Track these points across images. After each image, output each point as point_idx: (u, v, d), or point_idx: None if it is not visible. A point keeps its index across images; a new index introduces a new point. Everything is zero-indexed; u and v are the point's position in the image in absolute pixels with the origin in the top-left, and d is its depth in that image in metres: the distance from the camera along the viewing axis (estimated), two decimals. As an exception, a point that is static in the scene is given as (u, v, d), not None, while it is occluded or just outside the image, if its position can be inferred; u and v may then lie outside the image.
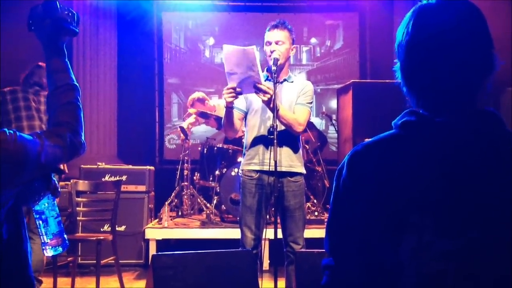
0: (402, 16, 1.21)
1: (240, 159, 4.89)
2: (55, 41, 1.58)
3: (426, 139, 1.12)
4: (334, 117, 6.52)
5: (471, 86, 1.13)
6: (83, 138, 1.54)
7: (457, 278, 1.04)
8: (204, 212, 5.65)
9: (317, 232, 4.83)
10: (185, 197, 5.82)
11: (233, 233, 4.65)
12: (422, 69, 1.15)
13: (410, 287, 1.07)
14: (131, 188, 5.38)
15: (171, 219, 5.49)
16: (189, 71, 7.49)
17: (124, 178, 5.31)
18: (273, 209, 3.17)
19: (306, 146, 5.68)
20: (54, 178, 1.58)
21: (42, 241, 1.66)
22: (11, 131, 1.37)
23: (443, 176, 1.08)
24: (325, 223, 1.25)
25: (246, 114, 3.38)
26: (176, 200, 5.88)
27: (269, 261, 4.98)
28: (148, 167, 5.65)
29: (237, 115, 3.30)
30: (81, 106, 1.58)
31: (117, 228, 4.61)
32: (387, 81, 5.24)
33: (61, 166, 4.23)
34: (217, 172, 5.48)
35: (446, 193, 1.07)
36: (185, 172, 5.78)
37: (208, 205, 5.64)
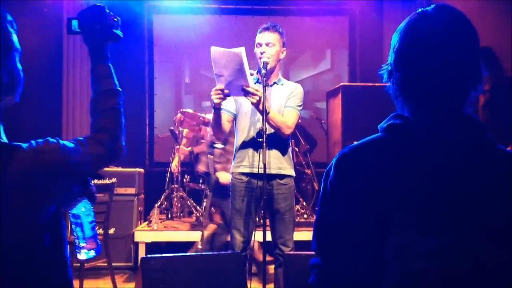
0: (391, 20, 1.24)
1: (230, 161, 4.89)
2: (102, 46, 1.59)
3: (410, 142, 1.15)
4: (323, 120, 6.53)
5: (457, 92, 1.18)
6: (123, 142, 1.57)
7: (439, 277, 1.07)
8: (194, 214, 5.64)
9: (306, 235, 4.84)
10: (175, 199, 5.80)
11: (223, 235, 4.64)
12: (411, 74, 1.19)
13: (393, 285, 1.09)
14: (121, 190, 5.35)
15: (160, 222, 5.49)
16: (179, 74, 7.49)
17: (114, 180, 5.28)
18: (262, 211, 3.17)
19: (296, 148, 5.70)
20: (92, 184, 1.59)
21: (76, 244, 1.67)
22: (54, 140, 1.38)
23: (427, 178, 1.11)
24: (314, 225, 1.27)
25: (235, 116, 3.38)
26: (165, 203, 5.87)
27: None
28: (138, 169, 5.64)
29: (226, 117, 3.29)
30: (123, 111, 1.60)
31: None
32: (376, 84, 5.28)
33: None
34: (207, 175, 5.48)
35: (429, 194, 1.10)
36: (175, 174, 5.77)
37: (198, 207, 5.63)
